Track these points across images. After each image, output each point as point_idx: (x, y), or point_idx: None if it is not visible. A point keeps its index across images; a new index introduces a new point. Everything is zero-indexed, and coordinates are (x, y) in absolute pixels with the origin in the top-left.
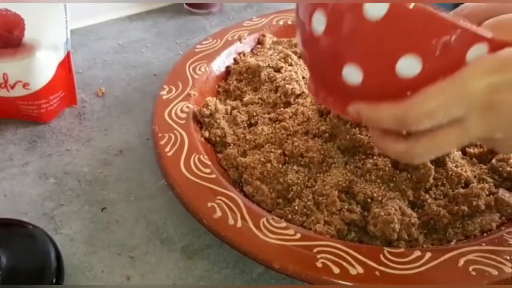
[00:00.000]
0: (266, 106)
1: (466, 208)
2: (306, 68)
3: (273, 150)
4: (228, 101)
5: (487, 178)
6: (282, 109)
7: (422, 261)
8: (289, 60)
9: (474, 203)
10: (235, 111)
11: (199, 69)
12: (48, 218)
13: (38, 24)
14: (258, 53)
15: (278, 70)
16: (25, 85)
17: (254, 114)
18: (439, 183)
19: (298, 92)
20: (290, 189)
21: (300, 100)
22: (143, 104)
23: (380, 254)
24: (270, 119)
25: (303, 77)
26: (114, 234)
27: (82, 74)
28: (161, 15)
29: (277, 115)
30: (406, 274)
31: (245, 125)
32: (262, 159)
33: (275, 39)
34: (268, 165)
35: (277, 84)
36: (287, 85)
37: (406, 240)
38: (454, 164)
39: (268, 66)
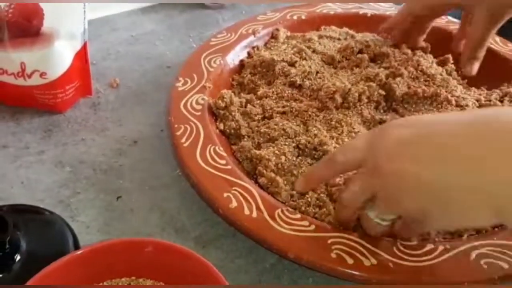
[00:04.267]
0: (280, 100)
1: None
2: (320, 63)
3: (287, 143)
4: (242, 94)
5: None
6: (296, 103)
7: (435, 253)
8: (303, 55)
9: None
10: (250, 104)
11: (214, 62)
12: (64, 205)
13: (57, 13)
14: (272, 47)
15: (292, 64)
16: (42, 74)
17: (268, 107)
18: None
19: (313, 86)
20: None
21: (315, 95)
22: (156, 96)
23: (394, 247)
24: (284, 112)
25: (317, 72)
26: (129, 222)
27: (97, 64)
28: (174, 8)
29: (291, 109)
30: (419, 266)
31: (259, 118)
32: (277, 151)
33: (289, 33)
34: (283, 157)
35: (292, 79)
36: (302, 80)
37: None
38: None
39: (282, 60)
